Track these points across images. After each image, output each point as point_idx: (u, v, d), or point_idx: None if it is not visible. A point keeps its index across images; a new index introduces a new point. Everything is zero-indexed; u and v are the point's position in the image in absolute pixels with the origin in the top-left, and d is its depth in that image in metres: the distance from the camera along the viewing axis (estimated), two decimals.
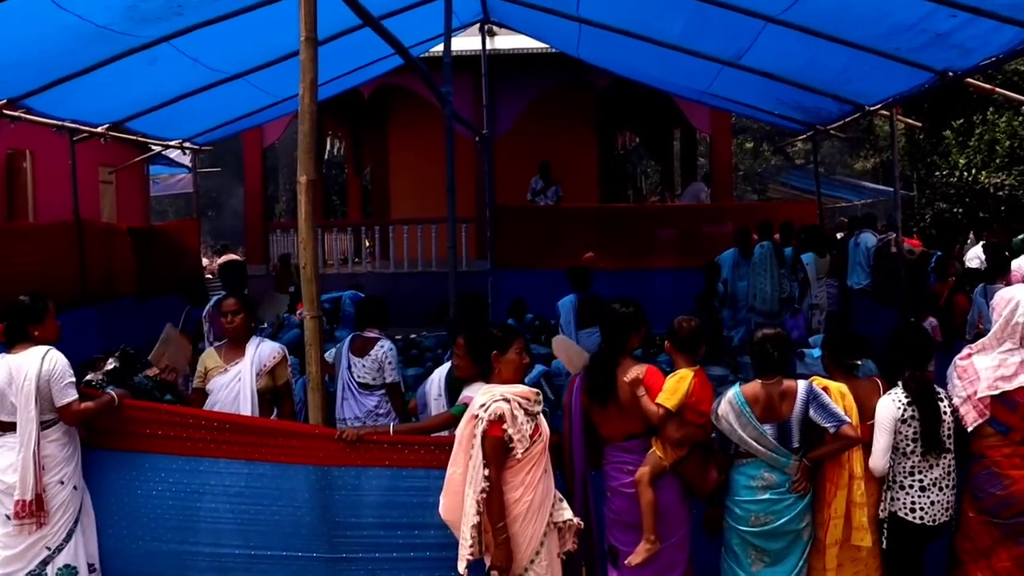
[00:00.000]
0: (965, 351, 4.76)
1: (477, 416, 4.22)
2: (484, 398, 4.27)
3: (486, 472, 4.13)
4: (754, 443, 4.48)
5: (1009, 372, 4.54)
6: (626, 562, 4.56)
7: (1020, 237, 13.09)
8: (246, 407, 5.47)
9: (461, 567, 4.19)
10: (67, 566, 4.76)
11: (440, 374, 5.76)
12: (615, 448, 4.66)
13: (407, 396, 6.99)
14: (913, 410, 4.57)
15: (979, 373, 4.60)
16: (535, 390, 4.39)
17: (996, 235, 11.87)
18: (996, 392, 4.53)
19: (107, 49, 7.70)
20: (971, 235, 17.43)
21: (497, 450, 4.16)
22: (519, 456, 4.18)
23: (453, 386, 5.46)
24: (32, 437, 4.66)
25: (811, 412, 4.45)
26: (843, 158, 41.39)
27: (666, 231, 14.54)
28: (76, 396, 4.78)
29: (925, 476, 4.60)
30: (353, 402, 6.56)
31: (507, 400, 4.21)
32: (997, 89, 9.53)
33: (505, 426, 4.15)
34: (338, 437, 4.77)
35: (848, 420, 4.46)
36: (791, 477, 4.49)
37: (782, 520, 4.49)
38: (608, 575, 4.71)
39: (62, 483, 4.75)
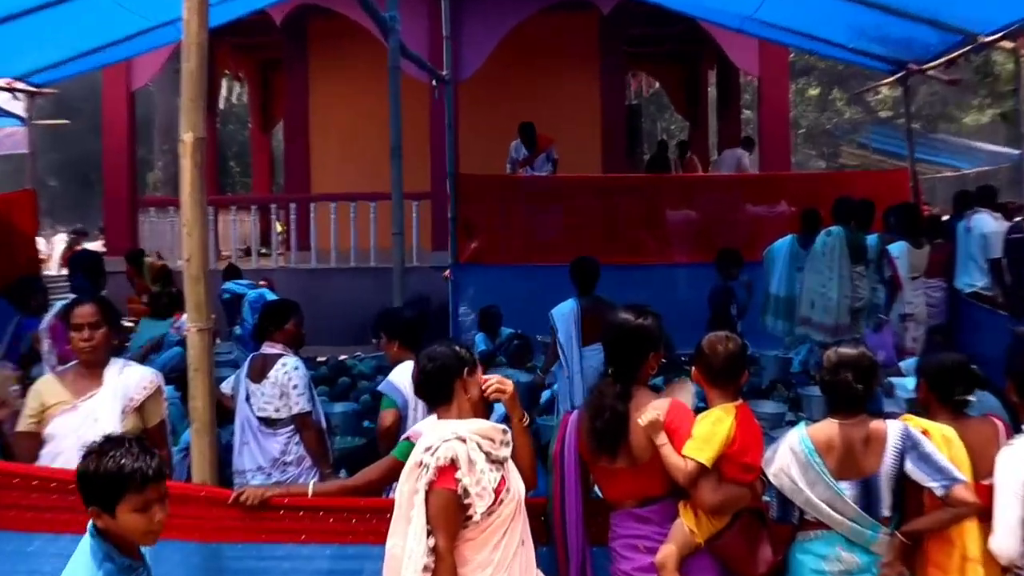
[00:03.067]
0: None
1: (421, 463, 4.15)
2: (431, 439, 4.21)
3: (431, 542, 4.05)
4: (827, 508, 4.46)
5: None
6: None
7: None
8: None
9: None
10: None
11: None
12: (626, 516, 4.62)
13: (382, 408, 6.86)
14: None
15: None
16: (502, 427, 4.35)
17: None
18: None
19: None
20: None
21: (449, 509, 4.06)
22: (477, 519, 4.10)
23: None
24: None
25: (908, 465, 4.42)
26: (948, 110, 41.74)
27: (692, 212, 14.55)
28: None
29: None
30: (255, 446, 6.56)
31: (463, 440, 4.15)
32: None
33: (459, 474, 4.07)
34: (234, 500, 4.74)
35: (963, 478, 4.43)
36: (879, 558, 4.46)
37: None
38: None
39: None
